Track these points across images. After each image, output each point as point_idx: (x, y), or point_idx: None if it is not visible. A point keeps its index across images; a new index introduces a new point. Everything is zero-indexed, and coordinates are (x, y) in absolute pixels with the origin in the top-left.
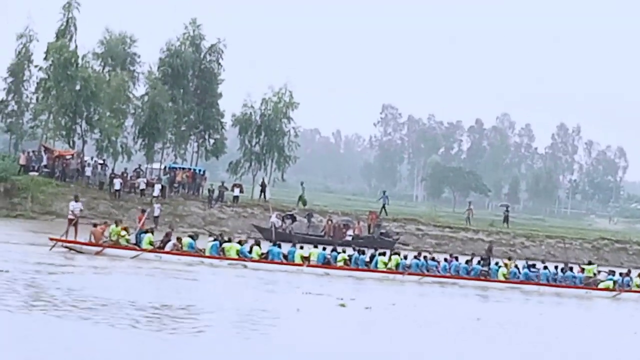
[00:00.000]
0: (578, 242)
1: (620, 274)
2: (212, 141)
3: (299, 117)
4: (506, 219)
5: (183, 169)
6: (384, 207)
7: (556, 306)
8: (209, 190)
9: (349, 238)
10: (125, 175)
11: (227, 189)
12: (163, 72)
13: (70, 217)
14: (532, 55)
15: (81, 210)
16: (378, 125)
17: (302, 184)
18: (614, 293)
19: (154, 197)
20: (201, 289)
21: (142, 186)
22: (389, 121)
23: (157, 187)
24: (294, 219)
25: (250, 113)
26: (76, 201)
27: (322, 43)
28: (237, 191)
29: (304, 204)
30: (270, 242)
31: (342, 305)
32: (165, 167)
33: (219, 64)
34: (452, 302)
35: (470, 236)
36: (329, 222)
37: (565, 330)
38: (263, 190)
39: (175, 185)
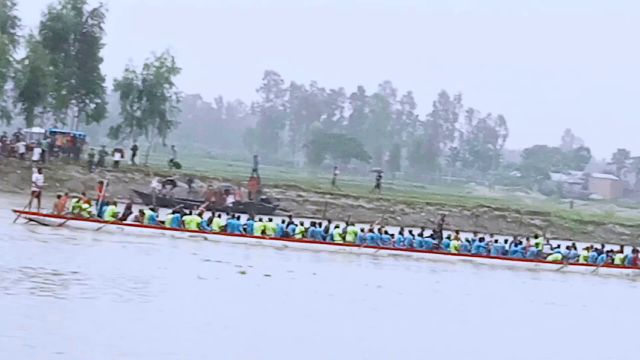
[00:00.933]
0: (457, 209)
1: (567, 247)
2: (93, 106)
3: (180, 83)
4: (378, 185)
5: (63, 133)
6: (254, 170)
7: (476, 277)
8: (89, 154)
9: (230, 204)
10: (4, 139)
11: (107, 153)
12: (44, 36)
13: (34, 189)
14: (413, 22)
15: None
16: (260, 92)
17: (172, 147)
18: (560, 266)
19: (34, 161)
20: (108, 258)
21: (22, 150)
22: (271, 87)
23: (37, 151)
24: (174, 184)
25: (132, 78)
26: (39, 173)
27: (205, 9)
28: (117, 156)
29: (177, 167)
30: (150, 207)
31: (242, 273)
32: (45, 131)
33: (101, 28)
34: (374, 272)
35: (351, 203)
36: (210, 188)
37: (463, 299)
38: (134, 155)
39: (56, 149)
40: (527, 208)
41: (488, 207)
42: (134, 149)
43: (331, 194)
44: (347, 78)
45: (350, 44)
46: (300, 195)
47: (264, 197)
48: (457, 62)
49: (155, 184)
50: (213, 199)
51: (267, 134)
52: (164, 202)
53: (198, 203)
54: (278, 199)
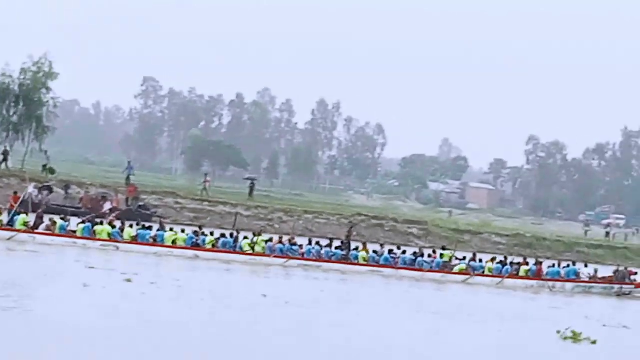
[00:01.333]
0: (335, 217)
1: (472, 259)
2: None
3: (58, 88)
4: (251, 192)
5: None
6: (128, 177)
7: (370, 287)
8: None
9: (107, 210)
10: None
11: None
12: None
13: None
14: (292, 27)
15: None
16: (138, 98)
17: (45, 152)
18: (466, 277)
19: None
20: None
21: None
22: (150, 94)
23: None
24: (50, 190)
25: (9, 82)
26: None
27: (81, 13)
28: None
29: (52, 172)
30: (26, 213)
31: (128, 280)
32: None
33: None
34: (275, 282)
35: (229, 210)
36: (87, 194)
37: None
38: (5, 159)
39: None
40: (404, 217)
41: (366, 215)
42: (5, 154)
43: (209, 201)
44: (226, 85)
45: (229, 50)
46: (178, 202)
47: (141, 203)
48: (335, 71)
49: (31, 189)
50: (89, 205)
51: (146, 141)
52: (39, 209)
53: (74, 209)
54: (156, 206)
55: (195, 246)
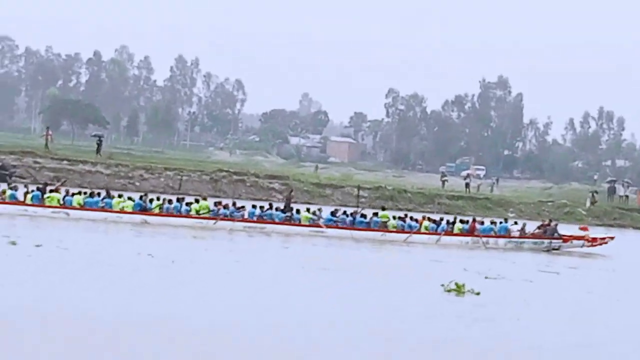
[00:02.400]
0: (197, 174)
1: (401, 218)
2: None
3: None
4: (98, 150)
5: None
6: None
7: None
8: None
9: None
10: None
11: None
12: None
13: None
14: None
15: None
16: None
17: None
18: (407, 235)
19: None
20: None
21: None
22: (6, 53)
23: None
24: None
25: None
26: None
27: None
28: None
29: None
30: (11, 186)
31: (13, 243)
32: None
33: None
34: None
35: (89, 169)
36: None
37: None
38: None
39: None
40: (265, 172)
41: (227, 171)
42: None
43: (68, 160)
44: (83, 43)
45: (85, 7)
46: (37, 162)
47: None
48: (193, 27)
49: None
50: None
51: (2, 100)
52: None
53: None
54: (14, 166)
55: (143, 211)
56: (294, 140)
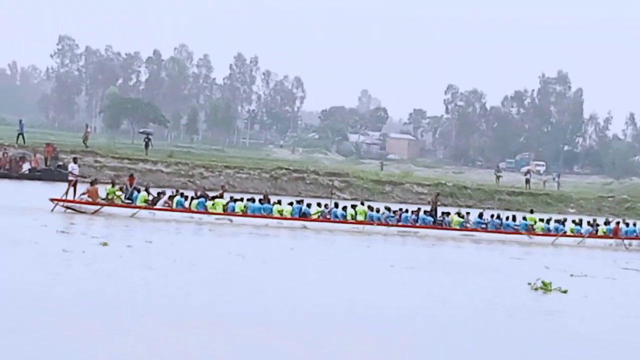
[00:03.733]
0: (256, 172)
1: (557, 221)
2: None
3: None
4: (147, 146)
5: None
6: (21, 135)
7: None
8: None
9: (26, 171)
10: None
11: None
12: None
13: (70, 178)
14: None
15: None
16: (55, 57)
17: None
18: (552, 239)
19: None
20: None
21: None
22: (66, 52)
23: None
24: None
25: None
26: (75, 163)
27: None
28: None
29: None
30: (180, 192)
31: (105, 244)
32: None
33: None
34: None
35: (149, 167)
36: (5, 155)
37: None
38: None
39: None
40: (325, 169)
41: (287, 169)
42: None
43: (129, 159)
44: (142, 42)
45: (145, 6)
46: (97, 161)
47: (60, 163)
48: (252, 25)
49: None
50: (8, 166)
51: (63, 100)
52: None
53: None
54: (75, 159)
55: (303, 216)
56: (353, 138)
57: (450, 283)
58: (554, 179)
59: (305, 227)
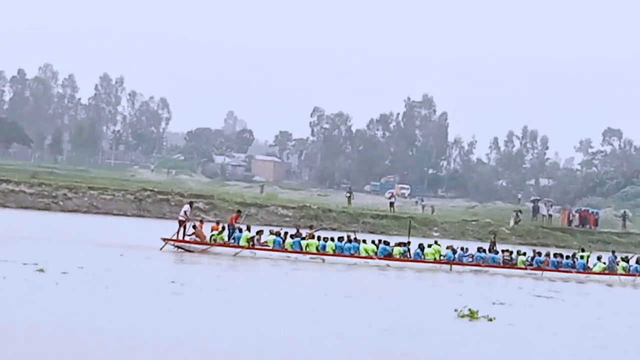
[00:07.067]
0: (121, 193)
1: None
2: None
3: None
4: None
5: None
6: None
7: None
8: None
9: None
10: None
11: None
12: None
13: (181, 218)
14: (72, 2)
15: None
16: None
17: None
18: (615, 278)
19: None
20: None
21: None
22: None
23: None
24: None
25: None
26: (190, 205)
27: None
28: None
29: None
30: (275, 232)
31: (41, 271)
32: None
33: None
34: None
35: (12, 188)
36: None
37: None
38: None
39: None
40: (190, 191)
41: (151, 190)
42: None
43: None
44: (6, 61)
45: (8, 24)
46: None
47: None
48: (118, 45)
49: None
50: None
51: None
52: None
53: None
54: None
55: (388, 256)
56: (219, 159)
57: None
58: (416, 202)
59: (388, 266)
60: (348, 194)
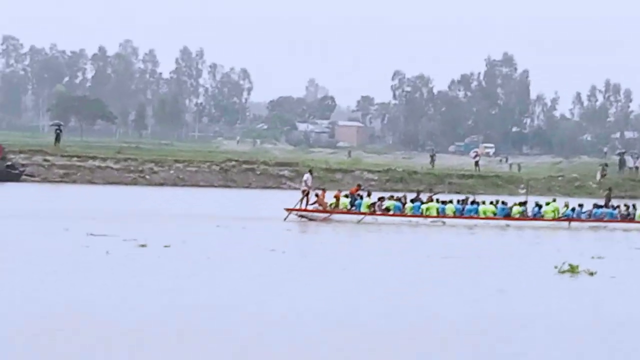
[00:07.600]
0: (206, 164)
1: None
2: None
3: None
4: (57, 139)
5: None
6: None
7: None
8: None
9: None
10: None
11: None
12: None
13: (304, 188)
14: None
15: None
16: None
17: None
18: None
19: None
20: None
21: None
22: (11, 52)
23: None
24: None
25: None
26: (310, 174)
27: None
28: None
29: None
30: (396, 197)
31: (143, 246)
32: None
33: None
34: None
35: (99, 164)
36: None
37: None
38: None
39: None
40: (275, 160)
41: (236, 161)
42: None
43: (78, 156)
44: (87, 39)
45: (87, 3)
46: (46, 160)
47: (9, 163)
48: (196, 18)
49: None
50: None
51: (10, 100)
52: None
53: None
54: (24, 165)
55: (507, 216)
56: (302, 127)
57: None
58: (500, 160)
59: (507, 226)
60: (431, 155)
